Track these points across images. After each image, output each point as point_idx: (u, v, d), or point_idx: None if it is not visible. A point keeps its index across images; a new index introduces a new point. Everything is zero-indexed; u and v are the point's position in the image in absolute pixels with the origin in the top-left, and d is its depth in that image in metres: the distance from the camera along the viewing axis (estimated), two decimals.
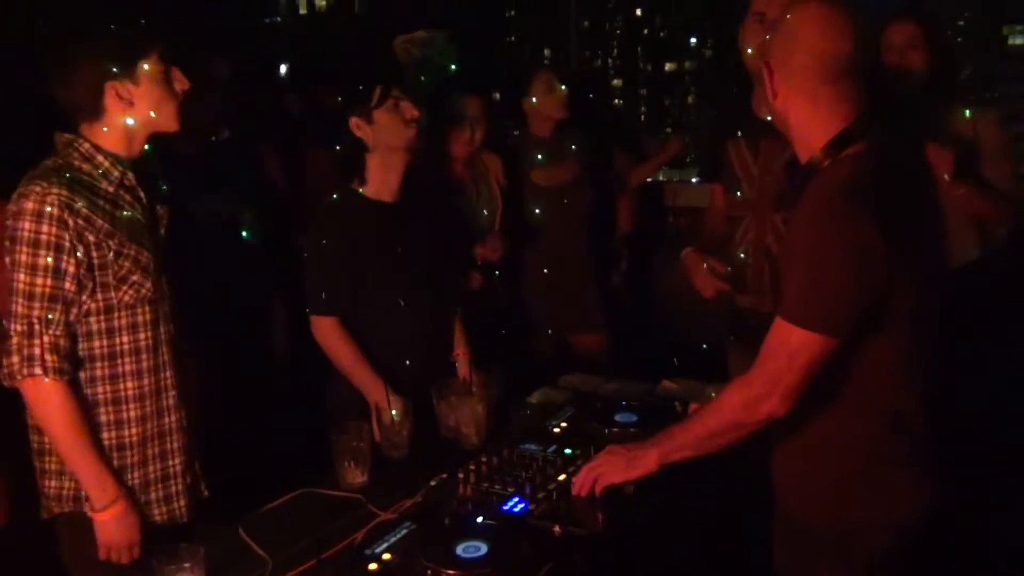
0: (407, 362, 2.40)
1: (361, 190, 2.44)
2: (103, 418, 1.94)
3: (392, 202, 2.45)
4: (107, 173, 1.92)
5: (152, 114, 1.93)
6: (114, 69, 1.88)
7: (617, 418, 2.26)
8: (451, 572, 1.53)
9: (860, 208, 1.55)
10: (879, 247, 1.54)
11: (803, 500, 1.79)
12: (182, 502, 2.08)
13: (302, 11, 11.23)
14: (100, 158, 1.91)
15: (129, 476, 1.98)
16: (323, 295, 2.37)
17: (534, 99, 3.42)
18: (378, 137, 2.38)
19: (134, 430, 1.97)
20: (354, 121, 2.39)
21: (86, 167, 1.90)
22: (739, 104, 2.71)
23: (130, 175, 1.96)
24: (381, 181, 2.43)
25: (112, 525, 1.92)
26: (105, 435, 1.94)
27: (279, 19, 11.06)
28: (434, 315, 2.52)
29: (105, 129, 1.92)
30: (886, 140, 1.69)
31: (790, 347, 1.59)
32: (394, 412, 2.19)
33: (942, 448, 1.76)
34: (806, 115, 1.69)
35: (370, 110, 2.37)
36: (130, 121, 1.92)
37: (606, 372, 2.77)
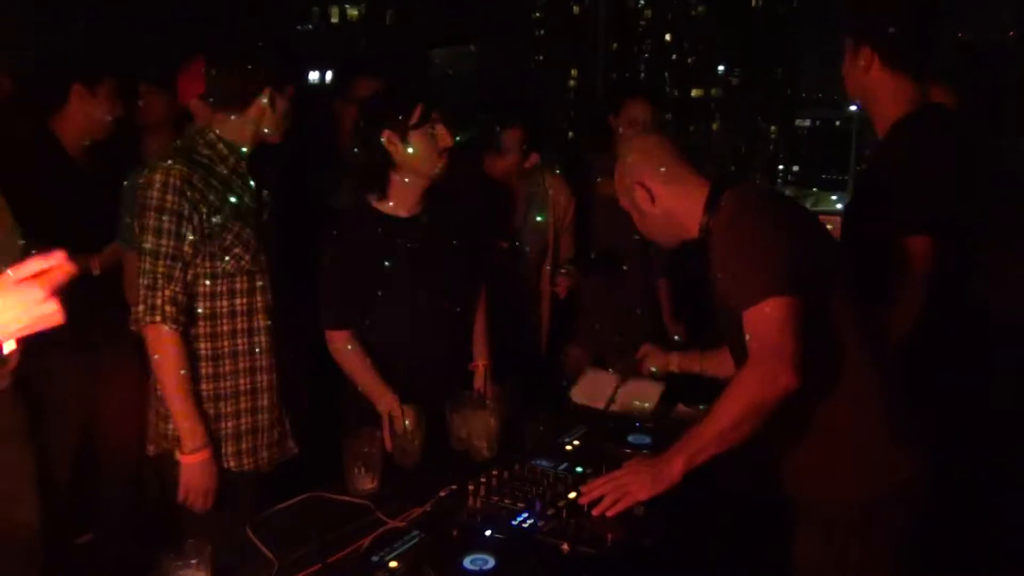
0: (420, 373, 2.39)
1: (377, 204, 2.41)
2: (204, 371, 2.20)
3: (408, 216, 2.42)
4: (225, 159, 2.22)
5: (277, 123, 2.26)
6: (277, 79, 2.23)
7: (630, 439, 2.25)
8: None
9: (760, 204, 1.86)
10: (782, 220, 1.83)
11: (823, 485, 1.87)
12: (264, 454, 2.32)
13: (334, 20, 11.36)
14: (221, 146, 2.22)
15: (223, 424, 2.24)
16: (335, 309, 2.40)
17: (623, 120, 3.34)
18: (407, 159, 2.33)
19: (228, 383, 2.24)
20: (386, 135, 2.33)
21: (207, 152, 2.20)
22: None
23: (243, 163, 2.24)
24: (400, 197, 2.40)
25: (195, 469, 2.17)
26: (204, 386, 2.21)
27: (311, 27, 11.20)
28: (450, 329, 2.51)
29: (236, 121, 2.22)
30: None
31: (773, 320, 1.70)
32: (407, 422, 2.19)
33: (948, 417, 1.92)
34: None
35: (407, 128, 2.32)
36: (262, 123, 2.24)
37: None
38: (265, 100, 2.22)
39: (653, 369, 2.58)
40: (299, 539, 1.79)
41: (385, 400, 2.30)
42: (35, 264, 1.24)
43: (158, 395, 2.23)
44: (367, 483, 2.05)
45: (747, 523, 2.07)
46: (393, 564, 1.61)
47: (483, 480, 1.99)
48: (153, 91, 3.15)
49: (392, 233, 2.40)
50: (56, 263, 1.25)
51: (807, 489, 1.92)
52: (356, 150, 2.44)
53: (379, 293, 2.39)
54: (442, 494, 1.95)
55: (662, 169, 1.95)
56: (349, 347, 2.38)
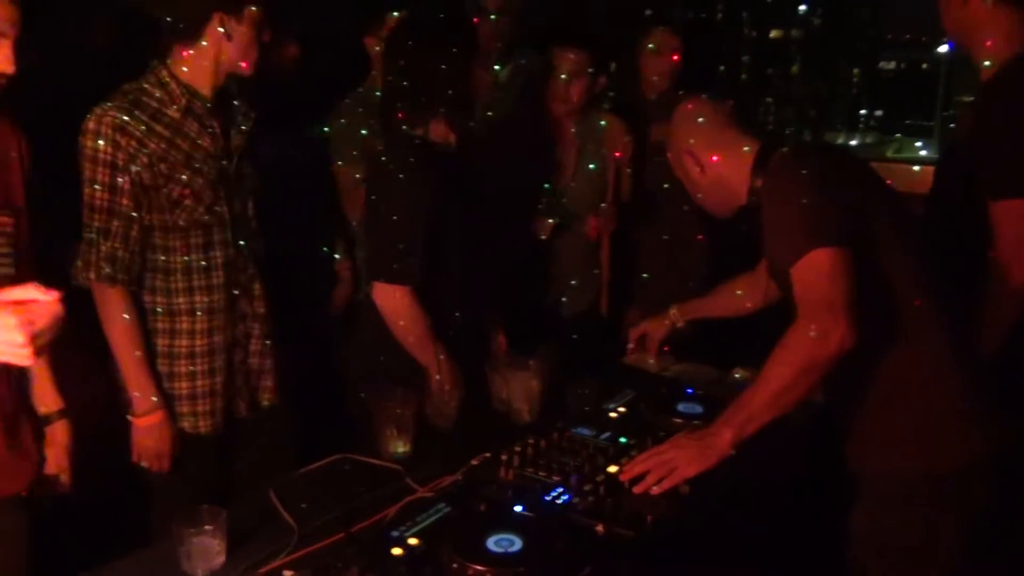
0: (466, 331, 2.28)
1: (425, 137, 2.22)
2: (160, 325, 2.07)
3: (454, 152, 2.25)
4: (175, 100, 2.00)
5: (239, 54, 2.02)
6: (226, 2, 1.98)
7: (680, 408, 2.10)
8: (479, 568, 1.40)
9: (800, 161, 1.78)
10: (832, 171, 1.76)
11: (888, 458, 1.77)
12: (220, 418, 2.16)
13: None
14: (173, 85, 2.00)
15: (178, 384, 2.10)
16: (401, 262, 2.13)
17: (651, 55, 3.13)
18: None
19: (184, 342, 2.08)
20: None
21: (157, 93, 2.00)
22: None
23: (198, 103, 2.03)
24: (446, 130, 2.23)
25: (146, 432, 2.06)
26: (161, 341, 2.07)
27: None
28: (487, 280, 2.37)
29: (192, 56, 2.00)
30: None
31: (822, 272, 1.60)
32: (446, 385, 2.09)
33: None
34: None
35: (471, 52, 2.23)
36: (221, 54, 2.01)
37: (680, 352, 2.58)
38: (218, 27, 1.98)
39: (651, 361, 2.48)
40: (325, 504, 1.71)
41: (434, 357, 2.19)
42: (19, 292, 1.15)
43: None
44: (399, 446, 1.96)
45: (803, 501, 1.93)
46: (413, 541, 1.51)
47: (518, 449, 1.87)
48: None
49: (447, 170, 2.20)
50: (45, 298, 1.16)
51: (870, 463, 1.81)
52: (397, 79, 2.24)
53: (434, 238, 2.16)
54: (474, 463, 1.84)
55: (709, 136, 1.88)
56: (412, 303, 2.17)
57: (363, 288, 2.49)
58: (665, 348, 2.47)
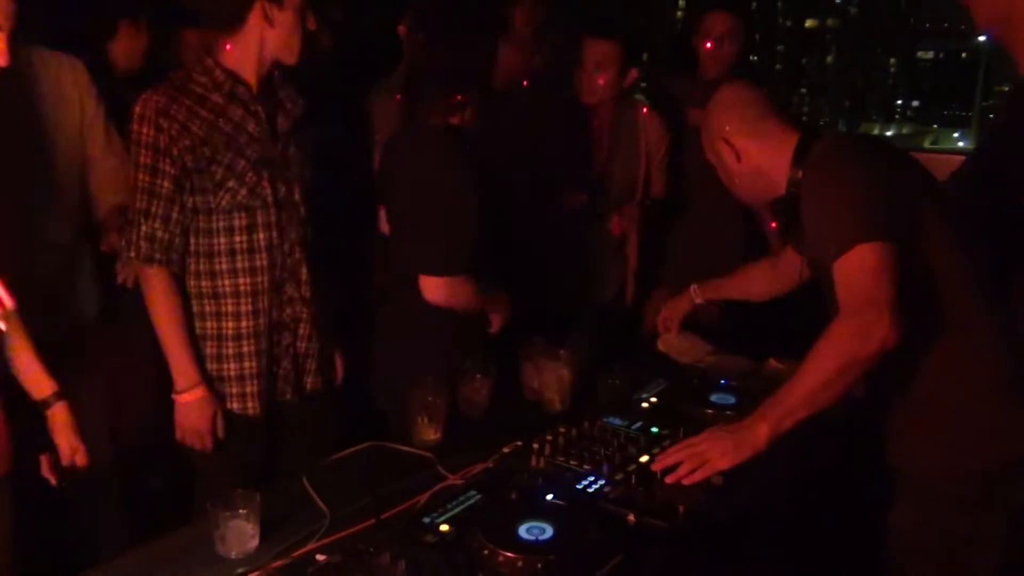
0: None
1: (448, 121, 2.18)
2: (206, 309, 2.10)
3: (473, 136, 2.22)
4: (219, 86, 2.04)
5: (283, 41, 2.05)
6: None
7: (713, 398, 2.09)
8: (509, 555, 1.40)
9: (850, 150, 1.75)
10: (879, 163, 1.70)
11: (933, 456, 1.73)
12: (268, 401, 2.19)
13: None
14: (217, 72, 2.04)
15: (226, 366, 2.13)
16: (466, 250, 2.13)
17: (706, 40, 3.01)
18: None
19: (230, 324, 2.11)
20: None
21: (202, 79, 2.04)
22: None
23: (242, 88, 2.06)
24: (471, 114, 2.20)
25: (187, 409, 2.09)
26: (208, 324, 2.11)
27: None
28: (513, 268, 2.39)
29: (236, 45, 2.04)
30: None
31: (867, 268, 1.57)
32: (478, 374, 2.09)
33: None
34: None
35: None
36: (264, 42, 2.04)
37: (716, 341, 2.56)
38: (259, 15, 2.01)
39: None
40: (356, 491, 1.71)
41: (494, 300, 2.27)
42: None
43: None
44: (431, 434, 1.97)
45: (839, 496, 1.91)
46: (444, 528, 1.52)
47: (549, 438, 1.87)
48: (190, 32, 3.10)
49: (474, 156, 2.18)
50: None
51: (914, 460, 1.77)
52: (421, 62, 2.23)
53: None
54: (505, 451, 1.84)
55: (748, 124, 1.82)
56: (460, 289, 2.16)
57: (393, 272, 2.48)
58: (704, 342, 2.44)
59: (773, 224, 1.95)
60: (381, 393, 2.34)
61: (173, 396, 2.10)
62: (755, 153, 1.82)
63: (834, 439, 1.91)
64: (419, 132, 2.19)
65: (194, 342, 2.10)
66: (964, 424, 1.70)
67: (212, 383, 2.12)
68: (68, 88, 2.36)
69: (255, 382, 2.15)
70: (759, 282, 2.33)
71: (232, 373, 2.14)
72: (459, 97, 2.15)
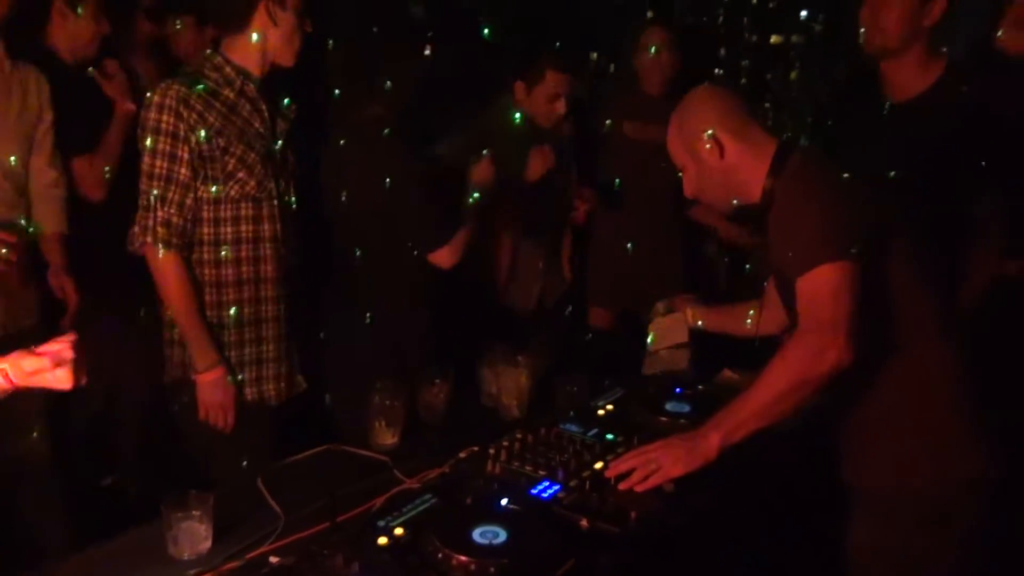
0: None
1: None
2: (208, 298, 2.17)
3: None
4: (231, 82, 2.13)
5: (285, 41, 2.14)
6: None
7: (668, 407, 2.11)
8: (463, 558, 1.41)
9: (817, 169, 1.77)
10: (849, 182, 1.72)
11: (888, 473, 1.75)
12: (270, 386, 2.29)
13: None
14: (228, 69, 2.14)
15: (227, 353, 2.20)
16: (434, 228, 2.43)
17: (645, 54, 3.20)
18: None
19: (232, 312, 2.18)
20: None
21: (213, 75, 2.13)
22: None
23: (250, 86, 2.16)
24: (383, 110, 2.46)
25: (211, 387, 2.17)
26: (209, 314, 2.17)
27: None
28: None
29: (242, 43, 2.12)
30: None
31: (827, 288, 1.59)
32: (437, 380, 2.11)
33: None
34: None
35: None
36: (267, 40, 2.12)
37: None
38: (264, 15, 2.10)
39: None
40: (311, 493, 1.71)
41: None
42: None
43: (167, 321, 2.22)
44: (388, 438, 1.98)
45: (790, 507, 1.94)
46: (399, 531, 1.52)
47: (505, 443, 1.88)
48: (185, 21, 3.07)
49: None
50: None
51: (870, 477, 1.79)
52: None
53: None
54: (462, 456, 1.85)
55: (734, 123, 1.79)
56: (459, 248, 2.47)
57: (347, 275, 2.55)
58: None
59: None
60: (336, 393, 2.37)
61: (194, 377, 2.17)
62: (737, 151, 1.78)
63: (788, 448, 1.94)
64: (352, 124, 2.44)
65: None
66: (920, 442, 1.72)
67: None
68: (32, 98, 2.50)
69: (270, 365, 2.26)
70: (744, 322, 2.28)
71: (232, 360, 2.21)
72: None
